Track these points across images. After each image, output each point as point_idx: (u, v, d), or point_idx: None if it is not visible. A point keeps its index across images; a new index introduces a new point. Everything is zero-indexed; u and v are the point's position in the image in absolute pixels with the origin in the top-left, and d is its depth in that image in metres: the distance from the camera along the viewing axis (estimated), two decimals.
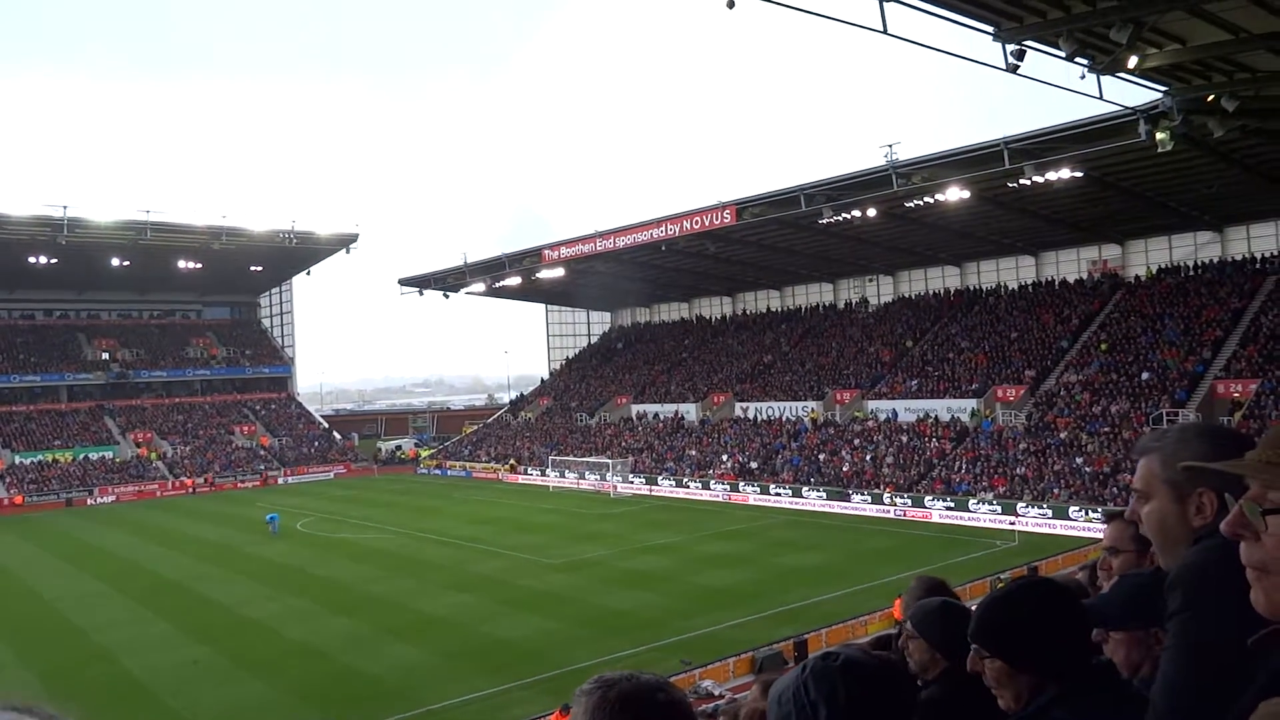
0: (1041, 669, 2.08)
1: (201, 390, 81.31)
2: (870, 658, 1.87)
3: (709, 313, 77.51)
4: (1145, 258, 52.45)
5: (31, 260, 65.65)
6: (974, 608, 2.44)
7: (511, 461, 66.85)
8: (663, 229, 52.38)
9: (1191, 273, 49.45)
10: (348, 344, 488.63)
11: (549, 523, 45.11)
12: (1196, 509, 1.79)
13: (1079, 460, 39.99)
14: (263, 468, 72.21)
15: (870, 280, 65.29)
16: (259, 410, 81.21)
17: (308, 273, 77.83)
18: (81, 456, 68.22)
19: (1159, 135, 28.83)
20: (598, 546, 37.86)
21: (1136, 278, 51.68)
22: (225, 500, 60.92)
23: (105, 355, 78.22)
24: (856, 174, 42.28)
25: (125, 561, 39.44)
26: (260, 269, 78.04)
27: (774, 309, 71.82)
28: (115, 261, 69.05)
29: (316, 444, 78.74)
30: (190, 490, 66.13)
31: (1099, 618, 2.12)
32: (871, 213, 44.82)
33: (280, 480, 70.55)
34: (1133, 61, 22.94)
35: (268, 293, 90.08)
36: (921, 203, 43.34)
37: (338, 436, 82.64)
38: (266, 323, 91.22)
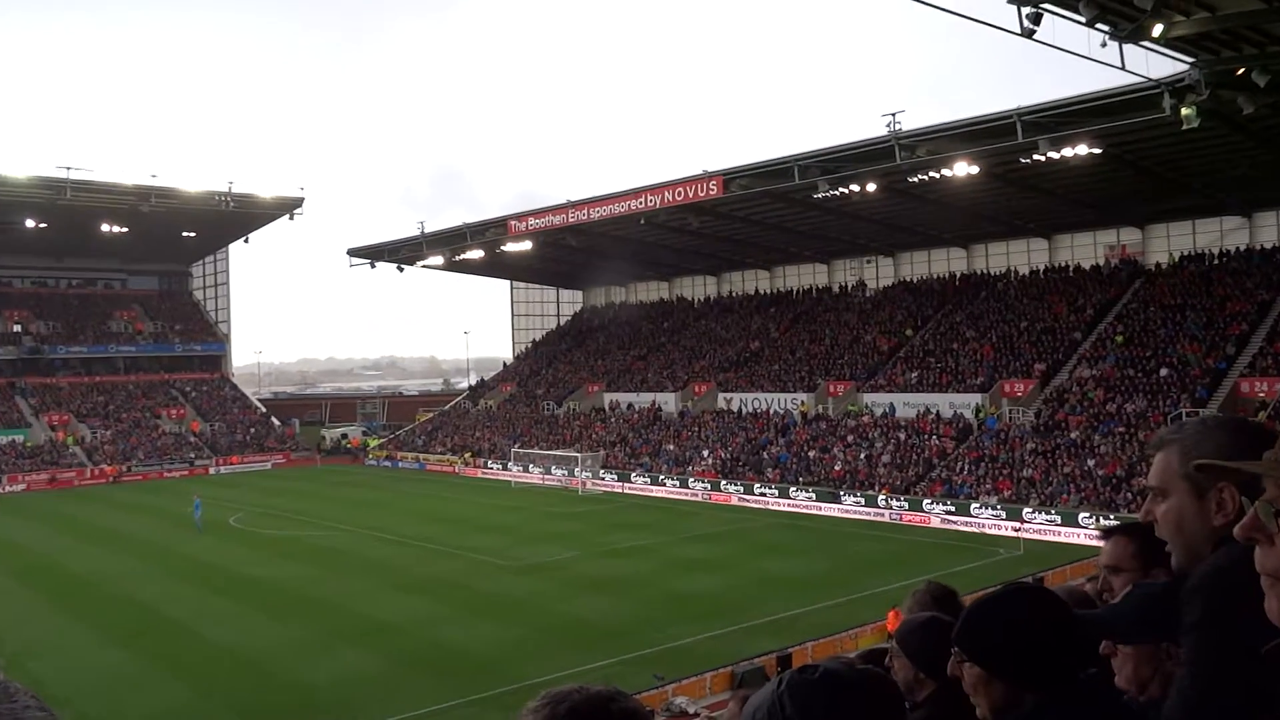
0: (1020, 678, 2.14)
1: (125, 369, 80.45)
2: (854, 671, 1.88)
3: (691, 294, 77.54)
4: (1167, 244, 52.97)
5: None
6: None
7: (468, 454, 66.70)
8: (642, 200, 52.31)
9: (1216, 261, 49.98)
10: (289, 320, 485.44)
11: (509, 521, 45.00)
12: (1217, 505, 1.80)
13: (1090, 463, 40.43)
14: (192, 456, 71.66)
15: (868, 262, 65.52)
16: (189, 392, 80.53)
17: (246, 240, 77.04)
18: None
19: (1184, 110, 29.07)
20: (563, 548, 37.86)
21: (1157, 265, 52.20)
22: (149, 491, 60.39)
23: (17, 328, 77.20)
24: (855, 144, 42.35)
25: (37, 556, 39.03)
26: (193, 235, 77.23)
27: (762, 291, 71.96)
28: (30, 223, 67.99)
29: (253, 430, 78.21)
30: (111, 479, 65.55)
31: (1107, 629, 2.14)
32: (871, 187, 44.95)
33: (212, 470, 70.03)
34: (1157, 29, 23.14)
35: (201, 261, 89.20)
36: (926, 178, 43.48)
37: (276, 423, 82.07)
38: (199, 295, 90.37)
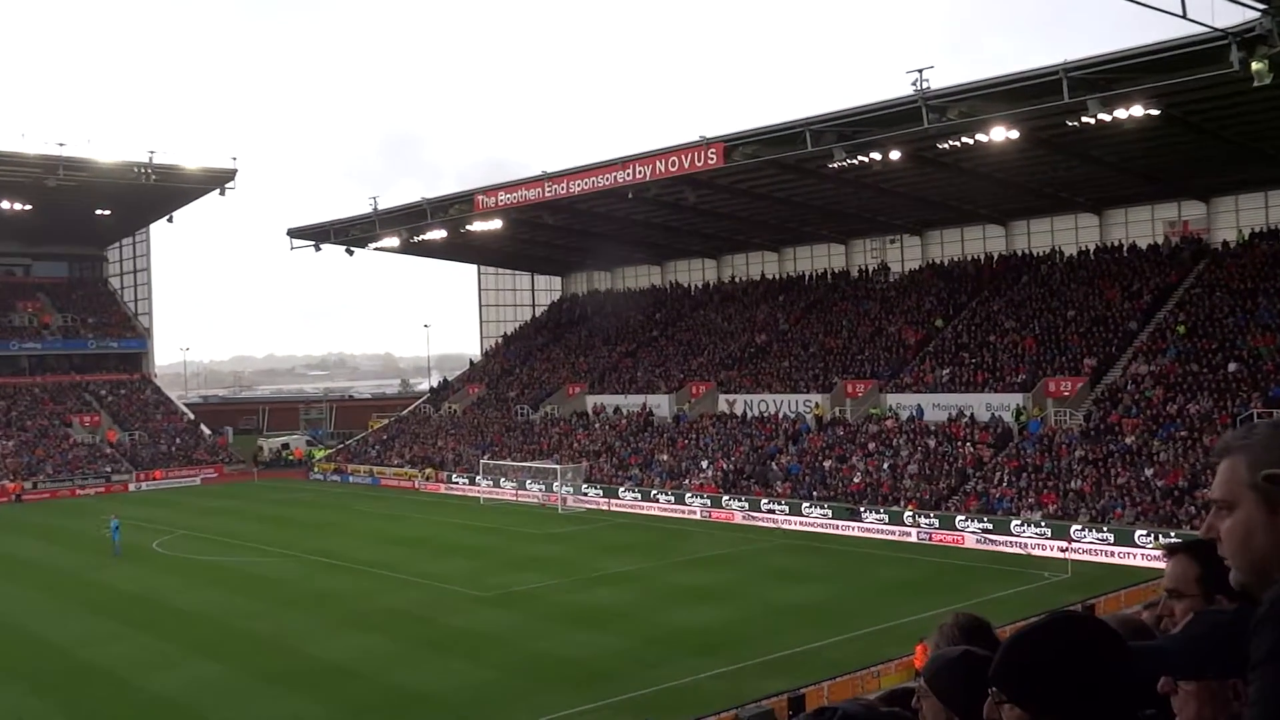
0: None
1: (29, 369, 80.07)
2: (877, 714, 1.90)
3: (687, 279, 77.54)
4: (1235, 219, 53.16)
5: None
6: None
7: (429, 470, 66.62)
8: (630, 171, 52.24)
9: None
10: (221, 313, 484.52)
11: (479, 544, 45.09)
12: None
13: (1148, 472, 40.59)
14: (109, 470, 71.39)
15: (892, 242, 65.58)
16: (105, 396, 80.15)
17: (169, 219, 76.74)
18: None
19: (1255, 65, 29.18)
20: (541, 575, 37.91)
21: (1224, 243, 52.39)
22: (58, 511, 60.19)
23: None
24: (877, 106, 42.35)
25: None
26: (108, 213, 76.90)
27: (770, 276, 71.98)
28: None
29: (179, 440, 77.94)
30: (14, 498, 65.24)
31: (1166, 664, 2.15)
32: (895, 155, 45.00)
33: (132, 486, 69.76)
34: None
35: (117, 244, 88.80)
36: (958, 144, 43.56)
37: (206, 431, 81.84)
38: (115, 283, 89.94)
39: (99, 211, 76.27)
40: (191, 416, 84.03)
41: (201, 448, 78.32)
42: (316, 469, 75.03)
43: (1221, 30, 29.69)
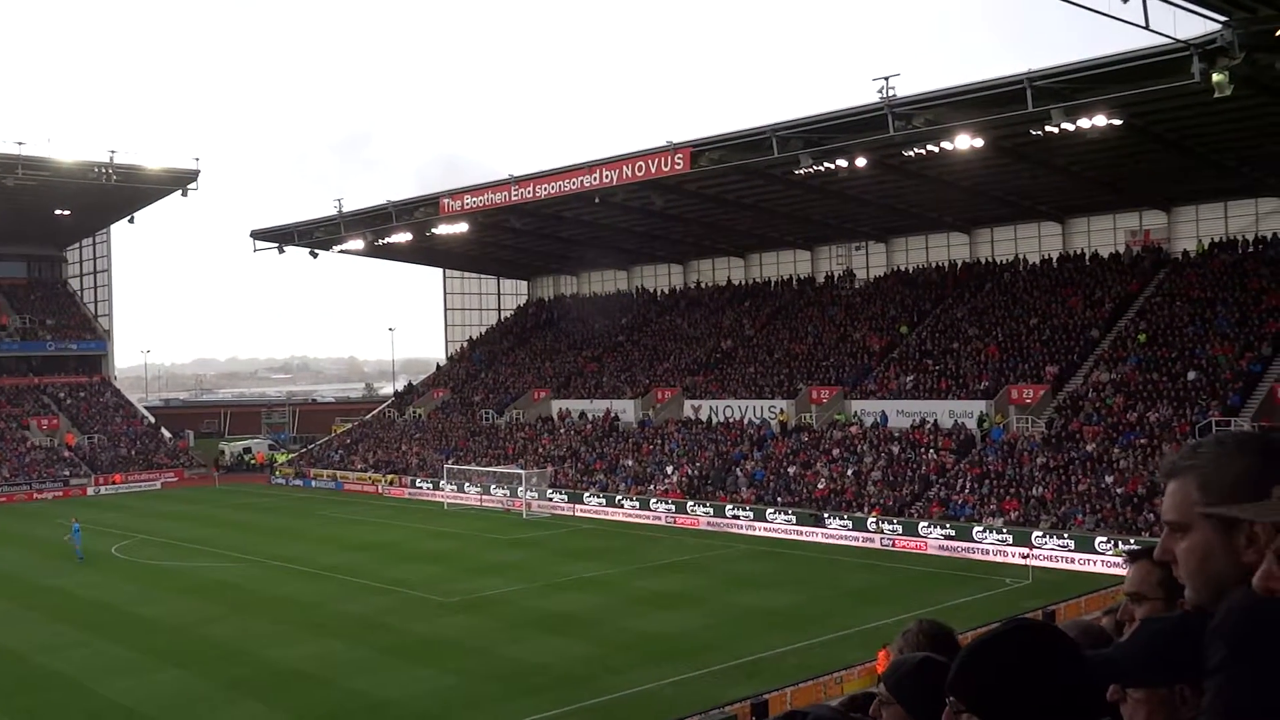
0: None
1: None
2: (846, 719, 1.93)
3: (654, 284, 77.63)
4: (1196, 228, 53.78)
5: None
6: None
7: (393, 475, 66.33)
8: (596, 176, 52.26)
9: (1252, 248, 50.84)
10: (182, 315, 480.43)
11: (443, 550, 45.00)
12: (1247, 540, 1.79)
13: (1109, 479, 41.00)
14: (67, 473, 70.62)
15: (857, 249, 65.90)
16: (63, 398, 79.33)
17: (130, 219, 76.17)
18: None
19: (1216, 76, 29.56)
20: (505, 580, 37.85)
21: (1184, 253, 53.02)
22: (15, 515, 59.58)
23: None
24: (843, 112, 42.57)
25: None
26: (67, 213, 76.15)
27: (736, 282, 72.19)
28: None
29: (139, 443, 77.28)
30: None
31: (1115, 670, 2.18)
32: (861, 162, 45.23)
33: (90, 490, 69.11)
34: None
35: (77, 245, 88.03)
36: (924, 152, 43.83)
37: (167, 434, 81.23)
38: (75, 284, 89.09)
39: (58, 211, 75.50)
40: (152, 420, 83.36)
41: (162, 451, 77.74)
42: (278, 473, 74.53)
43: (1183, 42, 30.05)
